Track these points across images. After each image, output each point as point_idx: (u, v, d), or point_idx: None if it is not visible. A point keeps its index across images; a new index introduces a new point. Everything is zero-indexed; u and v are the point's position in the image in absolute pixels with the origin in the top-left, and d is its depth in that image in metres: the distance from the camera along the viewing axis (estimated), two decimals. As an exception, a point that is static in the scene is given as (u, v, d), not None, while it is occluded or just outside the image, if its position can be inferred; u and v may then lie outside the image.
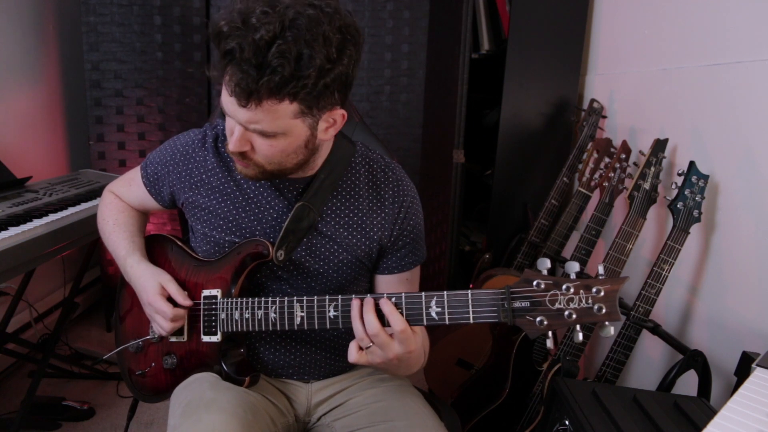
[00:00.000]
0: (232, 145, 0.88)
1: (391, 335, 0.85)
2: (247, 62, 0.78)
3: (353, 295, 0.89)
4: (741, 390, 0.79)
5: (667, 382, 1.20)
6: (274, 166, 0.92)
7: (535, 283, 0.79)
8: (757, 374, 0.83)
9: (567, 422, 1.03)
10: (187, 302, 1.00)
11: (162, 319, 0.99)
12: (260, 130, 0.85)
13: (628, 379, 1.61)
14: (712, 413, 0.97)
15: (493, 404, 1.56)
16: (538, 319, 0.79)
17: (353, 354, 0.88)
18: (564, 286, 0.78)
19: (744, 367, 1.05)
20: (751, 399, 0.76)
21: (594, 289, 0.77)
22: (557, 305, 0.78)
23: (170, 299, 1.00)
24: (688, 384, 1.22)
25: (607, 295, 0.76)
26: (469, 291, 0.82)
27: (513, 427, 1.54)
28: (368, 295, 0.88)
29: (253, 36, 0.77)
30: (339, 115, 0.91)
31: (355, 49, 0.85)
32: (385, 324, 0.85)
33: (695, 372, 1.18)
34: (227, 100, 0.84)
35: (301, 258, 1.02)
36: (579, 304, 0.77)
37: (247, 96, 0.80)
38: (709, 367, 1.18)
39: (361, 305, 0.86)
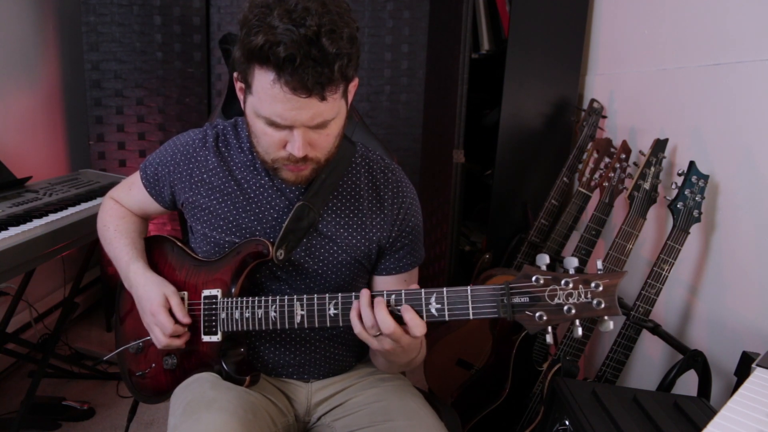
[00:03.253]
0: (301, 150, 0.87)
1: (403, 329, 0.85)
2: (313, 60, 0.78)
3: (353, 293, 0.88)
4: (741, 390, 0.78)
5: (667, 382, 1.20)
6: (327, 156, 0.93)
7: (534, 278, 0.79)
8: (757, 374, 0.83)
9: (567, 422, 1.03)
10: (186, 319, 0.99)
11: (160, 332, 0.99)
12: (321, 121, 0.86)
13: (628, 379, 1.61)
14: (712, 413, 0.97)
15: (493, 404, 1.56)
16: (537, 314, 0.79)
17: (357, 324, 0.87)
18: (563, 281, 0.78)
19: (744, 367, 1.05)
20: (751, 399, 0.76)
21: (593, 284, 0.77)
22: (556, 300, 0.78)
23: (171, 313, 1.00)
24: (688, 384, 1.22)
25: (606, 289, 0.77)
26: (469, 287, 0.82)
27: (513, 427, 1.54)
28: (382, 292, 0.87)
29: (299, 32, 0.77)
30: (353, 85, 0.92)
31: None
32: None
33: (695, 372, 1.18)
34: (284, 108, 0.83)
35: (300, 258, 1.02)
36: (578, 299, 0.77)
37: (324, 88, 0.81)
38: (709, 367, 1.18)
39: (370, 299, 0.86)
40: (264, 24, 0.79)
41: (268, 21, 0.79)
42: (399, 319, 0.85)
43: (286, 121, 0.85)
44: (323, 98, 0.82)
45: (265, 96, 0.83)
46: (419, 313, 0.85)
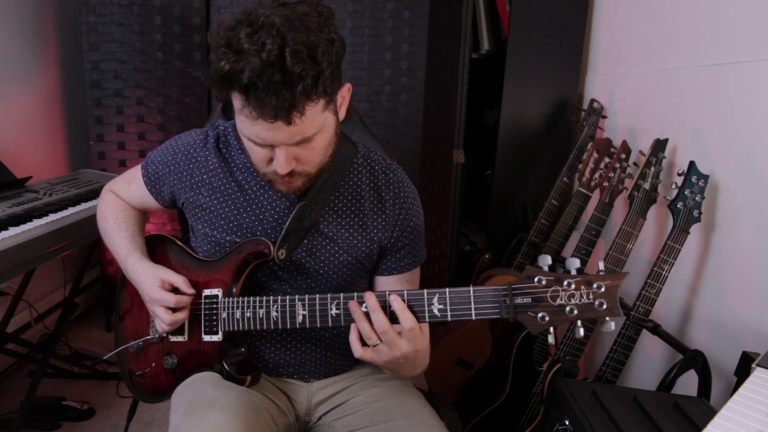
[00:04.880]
0: (284, 168, 0.87)
1: (399, 333, 0.85)
2: (275, 84, 0.76)
3: (355, 293, 0.89)
4: (741, 390, 0.79)
5: (667, 382, 1.20)
6: (319, 166, 0.93)
7: (536, 279, 0.80)
8: (757, 374, 0.83)
9: (567, 422, 1.03)
10: (191, 290, 0.99)
11: (164, 311, 0.98)
12: (302, 138, 0.85)
13: (628, 379, 1.61)
14: (712, 413, 0.97)
15: (493, 404, 1.56)
16: (539, 315, 0.79)
17: (358, 349, 0.88)
18: (565, 282, 0.78)
19: (744, 367, 1.05)
20: (751, 399, 0.76)
21: (595, 285, 0.77)
22: (558, 301, 0.78)
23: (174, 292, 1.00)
24: (688, 384, 1.22)
25: (607, 290, 0.77)
26: (471, 288, 0.82)
27: (513, 427, 1.54)
28: (369, 293, 0.87)
29: (261, 57, 0.76)
30: (346, 89, 0.93)
31: (333, 20, 0.85)
32: (393, 321, 0.86)
33: (695, 372, 1.18)
34: (260, 129, 0.83)
35: (301, 258, 1.02)
36: (580, 300, 0.78)
37: (289, 112, 0.79)
38: (709, 367, 1.18)
39: (360, 304, 0.86)
40: (229, 50, 0.78)
41: (233, 45, 0.78)
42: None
43: (265, 141, 0.85)
44: (290, 122, 0.80)
45: (241, 118, 0.84)
46: (422, 313, 0.85)
